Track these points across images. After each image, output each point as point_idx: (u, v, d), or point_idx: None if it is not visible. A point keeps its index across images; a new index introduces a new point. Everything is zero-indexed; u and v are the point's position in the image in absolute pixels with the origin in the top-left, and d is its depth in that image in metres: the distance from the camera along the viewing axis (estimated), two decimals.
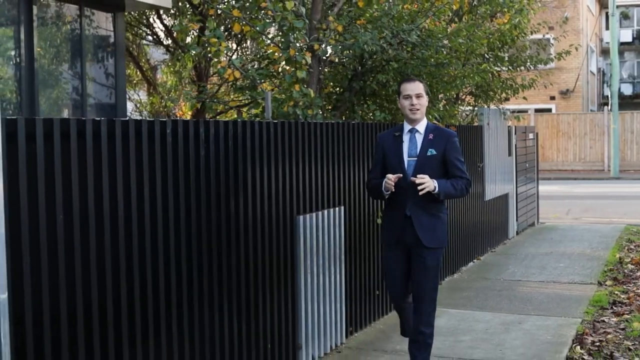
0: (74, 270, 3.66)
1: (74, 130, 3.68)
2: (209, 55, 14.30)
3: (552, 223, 14.07)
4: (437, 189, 5.04)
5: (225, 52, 6.91)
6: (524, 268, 9.54)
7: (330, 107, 7.64)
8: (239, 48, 15.33)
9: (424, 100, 5.26)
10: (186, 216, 4.46)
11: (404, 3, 7.86)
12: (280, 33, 7.14)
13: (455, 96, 10.12)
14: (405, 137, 5.25)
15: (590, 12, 36.76)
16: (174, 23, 15.83)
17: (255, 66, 7.90)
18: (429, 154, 5.17)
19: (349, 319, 6.44)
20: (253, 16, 7.53)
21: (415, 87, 5.22)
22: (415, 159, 5.18)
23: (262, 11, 7.22)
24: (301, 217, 5.61)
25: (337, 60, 7.52)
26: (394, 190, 5.07)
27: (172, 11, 14.34)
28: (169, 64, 16.66)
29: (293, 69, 6.48)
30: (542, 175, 24.00)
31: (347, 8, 7.45)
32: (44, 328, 3.50)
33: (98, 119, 3.86)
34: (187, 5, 14.43)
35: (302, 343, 5.66)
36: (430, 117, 8.36)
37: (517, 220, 12.41)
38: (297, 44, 6.55)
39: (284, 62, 6.99)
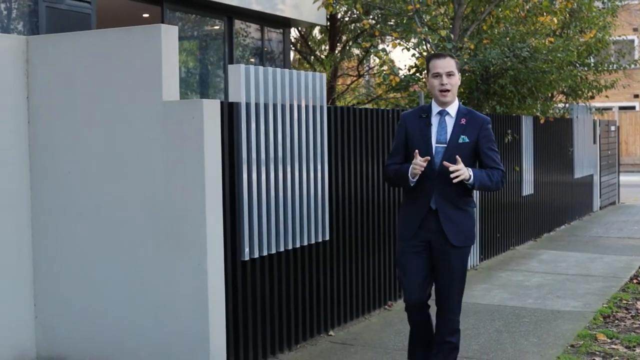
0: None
1: (366, 117, 6.63)
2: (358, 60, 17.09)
3: (631, 203, 16.55)
4: (471, 179, 4.46)
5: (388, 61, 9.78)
6: (605, 229, 12.20)
7: (462, 103, 10.44)
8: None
9: (456, 79, 4.59)
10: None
11: (516, 25, 10.61)
12: (427, 49, 9.99)
13: (551, 95, 12.77)
14: (434, 120, 4.62)
15: None
16: (309, 33, 18.89)
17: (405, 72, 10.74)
18: (460, 141, 4.56)
19: (482, 251, 9.29)
20: (405, 36, 10.43)
21: (447, 64, 4.56)
22: (445, 145, 4.55)
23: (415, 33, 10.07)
24: None
25: (467, 68, 10.29)
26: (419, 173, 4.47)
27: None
28: (305, 66, 19.70)
29: None
30: (626, 168, 26.17)
31: (476, 31, 10.22)
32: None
33: (366, 108, 6.80)
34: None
35: None
36: (534, 110, 11.10)
37: (600, 197, 14.98)
38: None
39: None
